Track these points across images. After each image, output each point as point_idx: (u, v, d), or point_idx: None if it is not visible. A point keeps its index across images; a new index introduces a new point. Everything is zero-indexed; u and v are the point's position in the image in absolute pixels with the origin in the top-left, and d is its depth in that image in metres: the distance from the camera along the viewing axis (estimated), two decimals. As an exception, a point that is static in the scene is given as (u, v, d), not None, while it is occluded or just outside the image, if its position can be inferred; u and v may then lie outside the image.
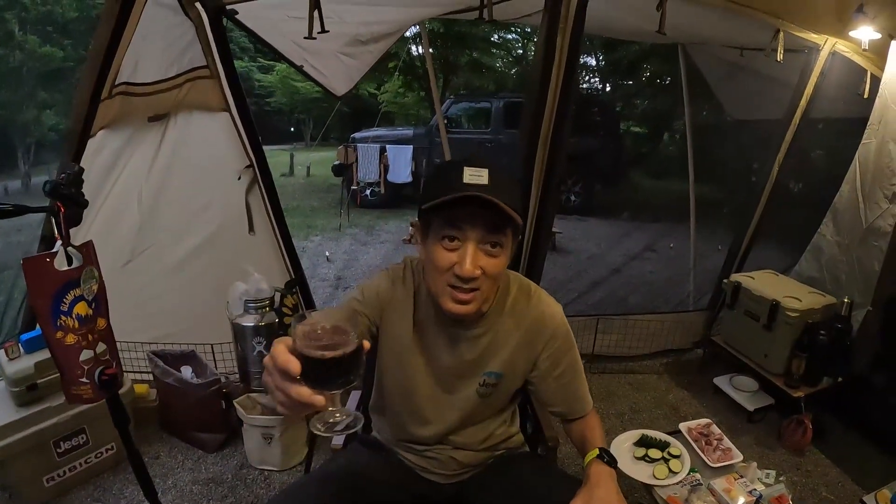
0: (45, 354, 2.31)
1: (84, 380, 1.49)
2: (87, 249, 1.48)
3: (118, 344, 2.71)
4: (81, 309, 1.45)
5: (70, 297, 1.43)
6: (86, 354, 1.48)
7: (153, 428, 2.79)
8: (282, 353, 0.83)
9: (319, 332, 0.86)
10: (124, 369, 2.75)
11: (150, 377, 2.76)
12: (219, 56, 2.46)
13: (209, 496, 2.41)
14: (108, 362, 1.53)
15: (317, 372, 0.83)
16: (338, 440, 1.61)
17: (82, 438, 2.40)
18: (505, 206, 1.14)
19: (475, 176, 1.17)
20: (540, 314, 1.41)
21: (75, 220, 1.44)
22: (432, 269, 1.24)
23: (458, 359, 1.38)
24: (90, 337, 1.48)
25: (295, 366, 0.82)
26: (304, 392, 0.82)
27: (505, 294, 1.40)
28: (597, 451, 1.31)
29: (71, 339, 1.45)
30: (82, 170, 1.46)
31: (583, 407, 1.48)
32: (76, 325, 1.44)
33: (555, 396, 1.47)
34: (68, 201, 1.41)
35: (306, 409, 0.85)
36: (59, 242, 1.43)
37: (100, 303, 1.52)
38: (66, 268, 1.43)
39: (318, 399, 0.83)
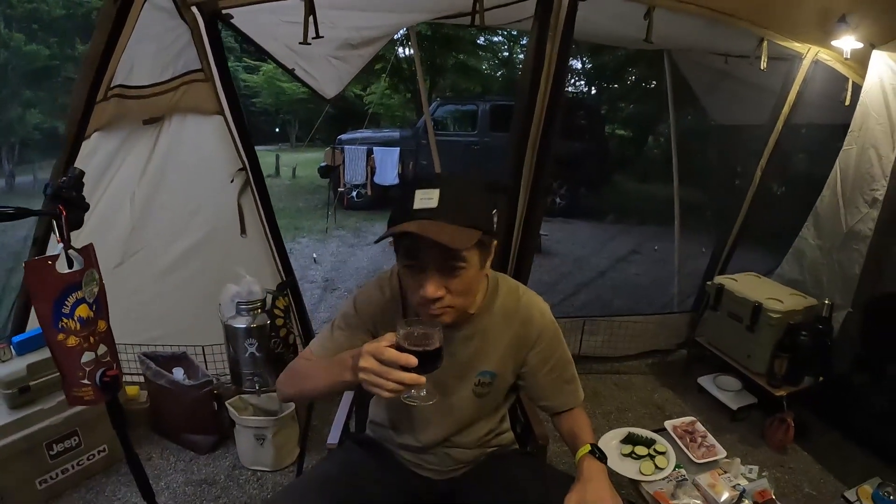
0: (36, 356, 2.31)
1: (85, 381, 1.49)
2: (88, 252, 1.49)
3: (112, 346, 2.78)
4: (83, 311, 1.45)
5: (72, 299, 1.43)
6: (87, 356, 1.48)
7: (144, 430, 2.78)
8: (395, 352, 1.06)
9: (416, 334, 1.10)
10: (116, 371, 2.80)
11: (140, 379, 2.75)
12: (213, 59, 2.47)
13: (202, 497, 2.42)
14: (110, 364, 1.54)
15: (421, 362, 1.08)
16: (332, 439, 1.62)
17: (75, 440, 2.39)
18: (450, 228, 1.11)
19: (425, 199, 1.14)
20: (528, 314, 1.44)
21: (77, 223, 1.45)
22: (406, 288, 1.30)
23: (451, 359, 1.38)
24: (91, 339, 1.48)
25: (413, 359, 1.05)
26: (412, 377, 1.06)
27: (494, 295, 1.42)
28: (588, 447, 1.34)
29: (72, 341, 1.45)
30: (83, 173, 1.47)
31: (572, 400, 1.51)
32: (78, 327, 1.44)
33: (544, 391, 1.50)
34: (70, 205, 1.42)
35: (408, 390, 1.08)
36: (60, 245, 1.43)
37: (100, 305, 1.53)
38: (67, 271, 1.44)
39: (422, 379, 1.07)
